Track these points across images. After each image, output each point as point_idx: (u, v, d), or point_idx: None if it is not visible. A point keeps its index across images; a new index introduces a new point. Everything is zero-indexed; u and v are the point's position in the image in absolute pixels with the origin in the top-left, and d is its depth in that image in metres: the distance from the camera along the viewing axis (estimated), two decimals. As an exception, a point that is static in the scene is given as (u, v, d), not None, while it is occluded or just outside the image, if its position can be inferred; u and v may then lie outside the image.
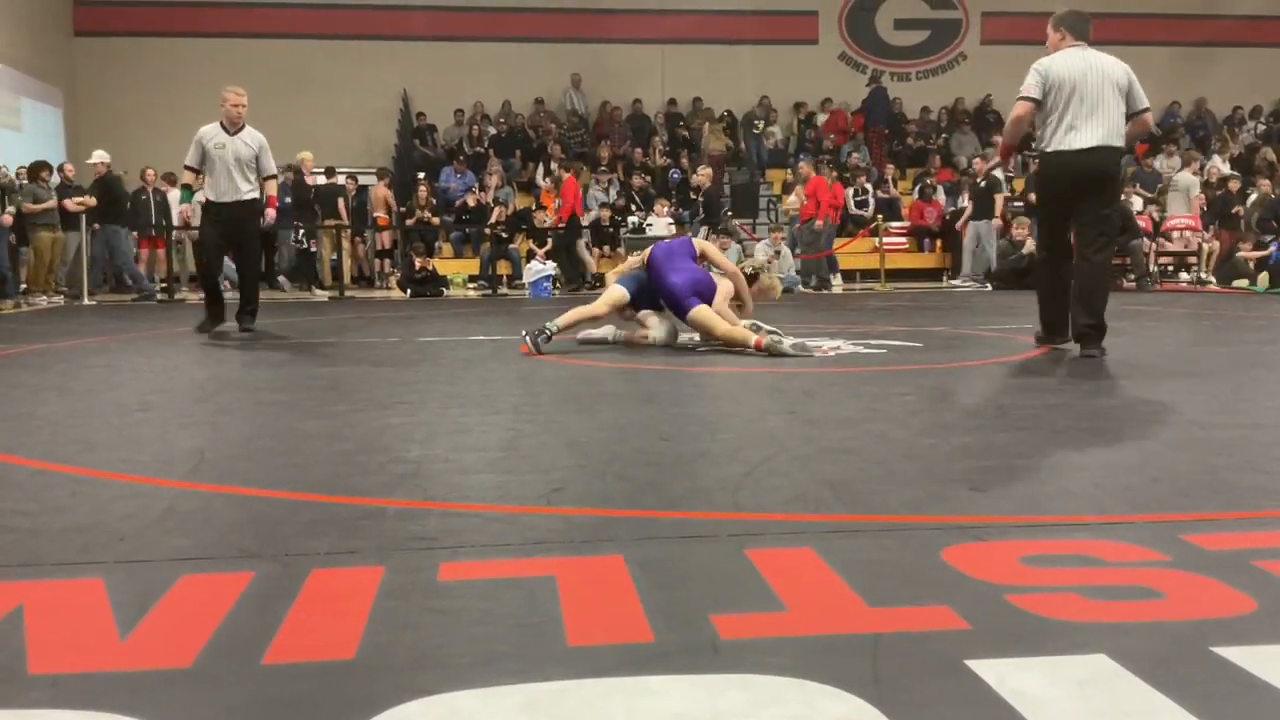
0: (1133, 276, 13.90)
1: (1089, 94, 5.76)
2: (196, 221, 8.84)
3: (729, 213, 17.18)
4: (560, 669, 1.59)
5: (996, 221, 14.99)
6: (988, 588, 1.93)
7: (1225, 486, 2.78)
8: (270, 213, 8.35)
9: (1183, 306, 10.42)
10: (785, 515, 2.50)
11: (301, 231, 15.35)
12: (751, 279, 6.86)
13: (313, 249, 15.55)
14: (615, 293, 6.58)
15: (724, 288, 6.46)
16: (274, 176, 8.38)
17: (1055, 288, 6.00)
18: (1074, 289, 5.87)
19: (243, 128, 8.10)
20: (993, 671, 1.55)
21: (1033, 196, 16.08)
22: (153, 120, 17.65)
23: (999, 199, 15.10)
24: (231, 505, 2.70)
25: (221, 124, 8.09)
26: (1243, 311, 9.69)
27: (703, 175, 16.33)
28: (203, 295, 8.45)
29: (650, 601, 1.88)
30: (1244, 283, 13.53)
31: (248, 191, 8.06)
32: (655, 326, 6.59)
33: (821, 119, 19.96)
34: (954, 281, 15.27)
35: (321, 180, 15.84)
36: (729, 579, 2.01)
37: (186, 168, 8.29)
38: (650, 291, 6.51)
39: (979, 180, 12.39)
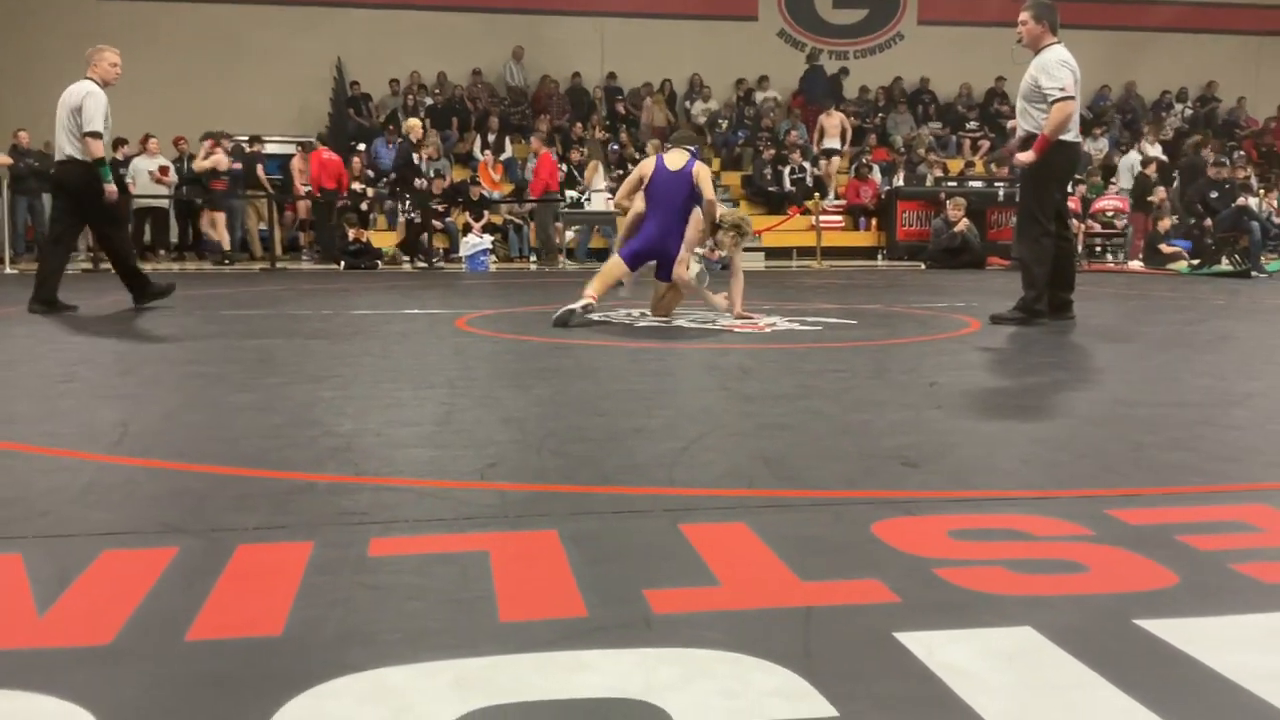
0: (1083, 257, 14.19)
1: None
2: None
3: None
4: (492, 644, 1.58)
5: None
6: (917, 561, 1.96)
7: (1149, 463, 2.84)
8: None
9: (1110, 287, 10.63)
10: (719, 490, 2.50)
11: (409, 202, 14.74)
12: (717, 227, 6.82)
13: (417, 219, 14.74)
14: (616, 267, 6.64)
15: (696, 219, 6.54)
16: None
17: (1049, 254, 6.50)
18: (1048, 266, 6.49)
19: None
20: (922, 644, 1.57)
21: (999, 169, 16.71)
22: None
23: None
24: (156, 479, 2.64)
25: (99, 85, 7.25)
26: (1168, 292, 9.91)
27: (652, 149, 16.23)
28: (131, 277, 7.59)
29: (584, 576, 1.87)
30: (1182, 266, 13.80)
31: None
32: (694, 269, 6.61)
33: (760, 96, 19.98)
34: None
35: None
36: (663, 554, 2.01)
37: (99, 135, 7.16)
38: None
39: (1012, 169, 12.39)
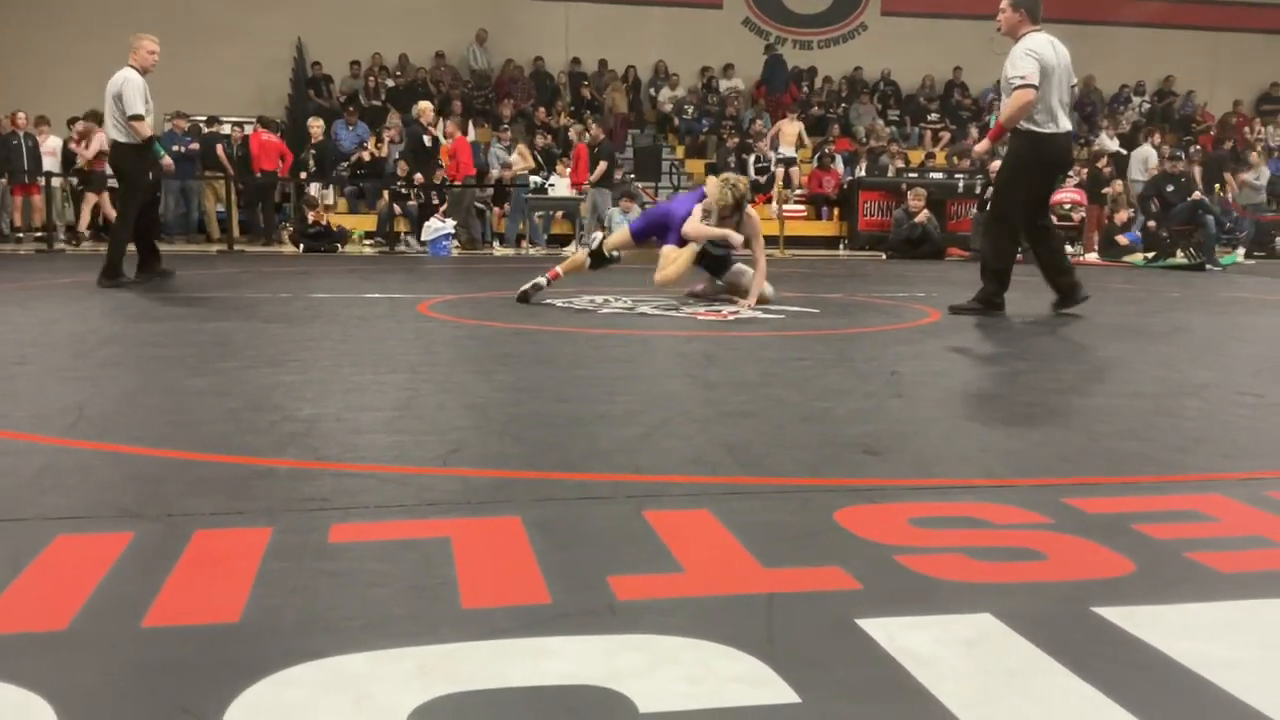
0: (1023, 248, 14.27)
1: (1063, 80, 6.33)
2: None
3: (632, 175, 17.12)
4: (455, 631, 1.57)
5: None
6: (878, 548, 1.97)
7: (1105, 452, 2.88)
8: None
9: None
10: (683, 477, 2.51)
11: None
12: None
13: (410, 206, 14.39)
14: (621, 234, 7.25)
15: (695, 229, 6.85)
16: None
17: (1010, 256, 6.58)
18: (1046, 255, 6.53)
19: None
20: (883, 630, 1.58)
21: (965, 164, 16.84)
22: (25, 62, 16.86)
23: (619, 170, 16.05)
24: (111, 463, 2.60)
25: (137, 71, 7.76)
26: (1123, 284, 10.04)
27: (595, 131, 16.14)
28: (115, 256, 7.94)
29: (547, 563, 1.86)
30: (1137, 259, 13.97)
31: None
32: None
33: (724, 85, 19.99)
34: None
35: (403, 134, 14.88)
36: (626, 540, 2.01)
37: (142, 117, 7.74)
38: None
39: (974, 160, 12.78)
